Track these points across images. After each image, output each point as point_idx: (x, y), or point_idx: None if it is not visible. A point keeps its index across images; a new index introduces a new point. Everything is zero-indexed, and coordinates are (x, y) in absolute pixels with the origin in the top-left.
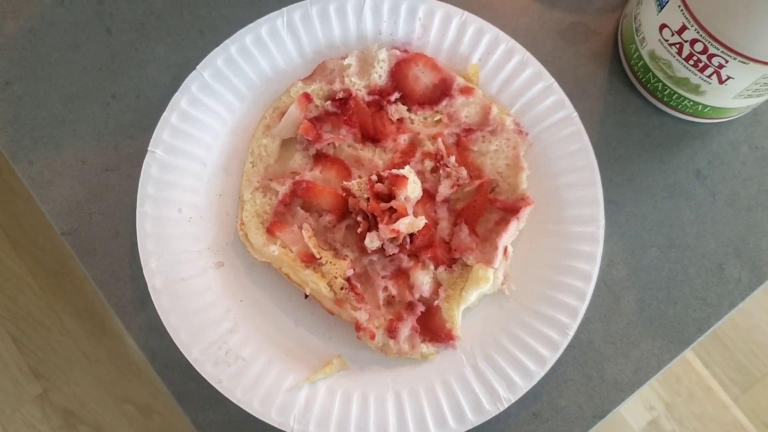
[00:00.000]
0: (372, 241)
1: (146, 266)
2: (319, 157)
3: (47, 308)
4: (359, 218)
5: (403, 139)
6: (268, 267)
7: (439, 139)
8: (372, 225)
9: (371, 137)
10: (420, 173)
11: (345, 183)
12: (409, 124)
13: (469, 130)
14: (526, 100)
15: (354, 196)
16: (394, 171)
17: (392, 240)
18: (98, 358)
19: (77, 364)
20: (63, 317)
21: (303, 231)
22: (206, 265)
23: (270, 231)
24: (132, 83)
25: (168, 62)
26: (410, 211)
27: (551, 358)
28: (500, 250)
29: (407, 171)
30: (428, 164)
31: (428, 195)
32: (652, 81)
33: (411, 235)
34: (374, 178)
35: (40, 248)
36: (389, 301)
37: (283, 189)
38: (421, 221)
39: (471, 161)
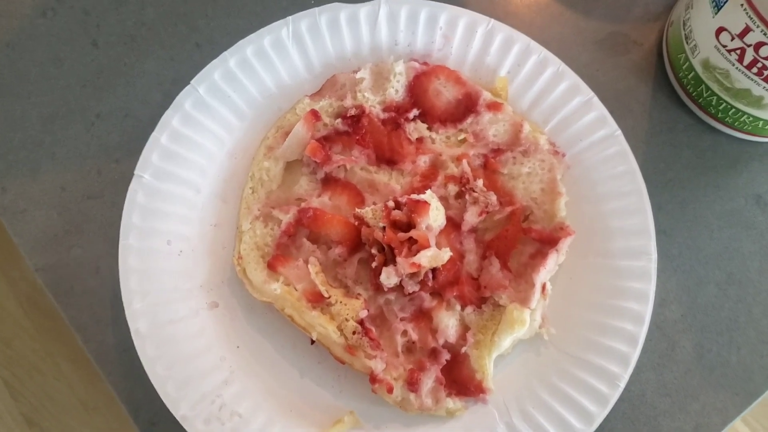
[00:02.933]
0: (389, 277)
1: (129, 307)
2: (328, 182)
3: (43, 352)
4: (374, 251)
5: (423, 161)
6: (269, 308)
7: (464, 161)
8: (389, 258)
9: (387, 159)
10: (443, 199)
11: (357, 210)
12: (430, 144)
13: (497, 151)
14: (562, 116)
15: (368, 226)
16: (414, 196)
17: (412, 276)
18: (95, 406)
19: (73, 412)
20: (59, 361)
21: (309, 266)
22: (198, 305)
23: (271, 266)
24: (119, 101)
25: (160, 78)
26: (433, 242)
27: (599, 414)
28: (537, 287)
29: (429, 196)
30: (452, 189)
31: (453, 224)
32: (705, 95)
33: (434, 270)
34: (391, 204)
35: (35, 287)
36: (409, 348)
37: (287, 218)
38: (446, 254)
39: (501, 185)
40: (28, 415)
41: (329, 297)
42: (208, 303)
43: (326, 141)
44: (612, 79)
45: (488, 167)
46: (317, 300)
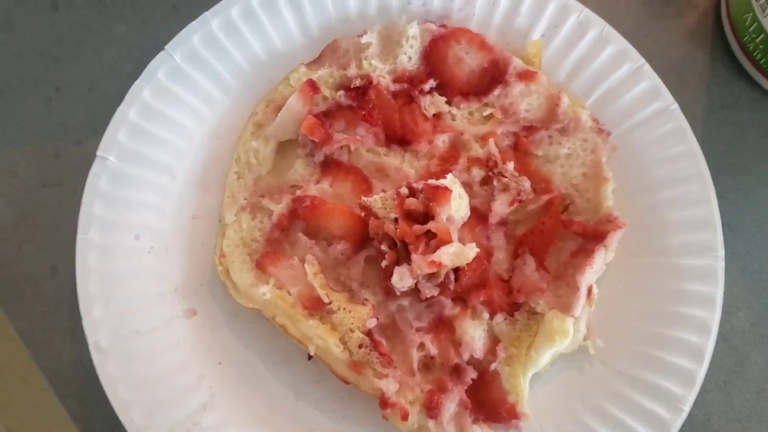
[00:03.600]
0: (402, 279)
1: (87, 315)
2: (329, 166)
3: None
4: (383, 247)
5: (441, 141)
6: (257, 316)
7: (491, 141)
8: (401, 256)
9: (399, 138)
10: (467, 186)
11: (364, 199)
12: (450, 121)
13: (530, 129)
14: (607, 87)
15: (376, 217)
16: (432, 182)
17: (430, 277)
18: None
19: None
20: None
21: (306, 265)
22: (173, 313)
23: (260, 265)
24: (83, 73)
25: (130, 45)
26: (455, 236)
27: None
28: (582, 291)
29: (450, 181)
30: (477, 174)
31: (478, 215)
32: None
33: (456, 270)
34: (404, 191)
35: None
36: (427, 365)
37: (279, 208)
38: (471, 250)
39: (535, 170)
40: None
41: (330, 303)
42: (183, 310)
43: (326, 117)
44: (662, 46)
45: (519, 148)
46: (315, 307)
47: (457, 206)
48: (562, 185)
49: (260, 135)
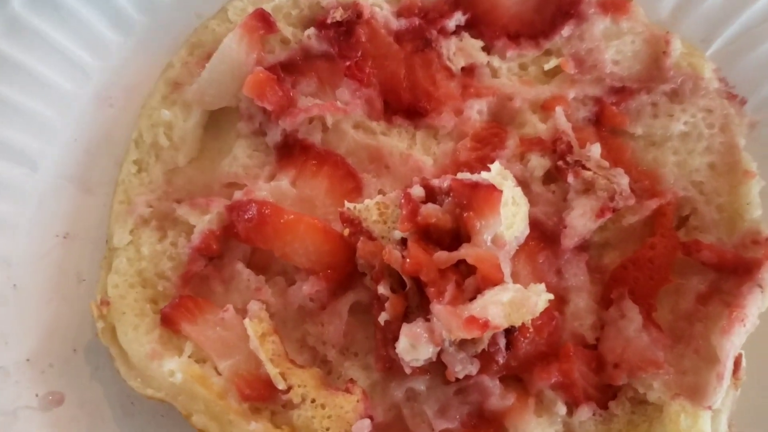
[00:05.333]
0: (415, 346)
1: None
2: (291, 151)
3: None
4: (382, 289)
5: (477, 111)
6: (164, 410)
7: (559, 110)
8: (414, 305)
9: (406, 107)
10: (522, 184)
11: (348, 206)
12: (490, 79)
13: (622, 91)
14: (739, 28)
15: (369, 237)
16: (466, 176)
17: (465, 344)
18: None
19: None
20: None
21: (248, 321)
22: (21, 399)
23: (169, 321)
24: None
25: None
26: (507, 270)
27: None
28: (726, 363)
29: (497, 174)
30: (537, 164)
31: (542, 233)
32: None
33: (509, 331)
34: (417, 192)
35: None
36: None
37: (204, 221)
38: (540, 297)
39: (632, 158)
40: None
41: (289, 389)
42: (40, 396)
43: (286, 72)
44: None
45: (606, 122)
46: (263, 396)
47: (510, 218)
48: (677, 183)
49: (177, 100)
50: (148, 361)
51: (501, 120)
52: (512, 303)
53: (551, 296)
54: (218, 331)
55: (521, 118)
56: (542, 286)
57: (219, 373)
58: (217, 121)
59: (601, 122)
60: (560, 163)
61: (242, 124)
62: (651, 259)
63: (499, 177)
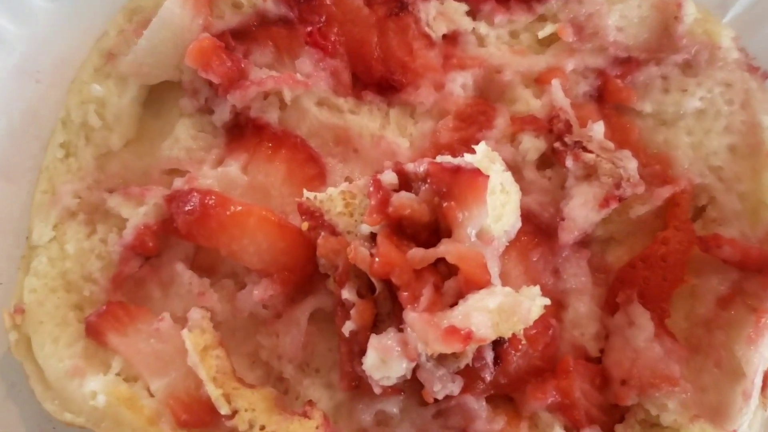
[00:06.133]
0: (386, 362)
1: None
2: (242, 132)
3: None
4: (347, 294)
5: (460, 84)
6: None
7: (555, 83)
8: (384, 312)
9: (378, 81)
10: (513, 169)
11: (308, 196)
12: (477, 49)
13: (628, 63)
14: None
15: (333, 232)
16: (446, 159)
17: (445, 359)
18: None
19: None
20: None
21: (186, 333)
22: None
23: (94, 331)
24: None
25: None
26: (494, 271)
27: None
28: (753, 379)
29: (483, 156)
30: (531, 146)
31: (536, 227)
32: None
33: (498, 343)
34: (388, 179)
35: None
36: None
37: (139, 213)
38: (535, 303)
39: (639, 139)
40: None
41: (234, 414)
42: None
43: (237, 39)
44: None
45: (609, 97)
46: (203, 421)
47: (499, 209)
48: (692, 168)
49: (111, 73)
50: (67, 380)
51: (488, 96)
52: (501, 310)
53: (547, 301)
54: (152, 343)
55: (512, 94)
56: (537, 289)
57: (151, 394)
58: (157, 98)
59: (604, 98)
60: (557, 144)
61: (185, 101)
62: (663, 257)
63: (486, 160)
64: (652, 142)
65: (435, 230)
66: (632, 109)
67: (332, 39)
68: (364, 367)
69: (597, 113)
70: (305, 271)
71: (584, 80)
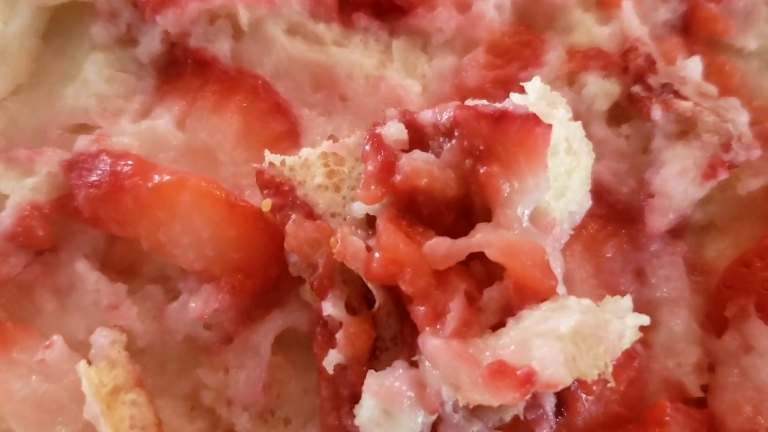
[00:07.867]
0: (391, 412)
1: None
2: (179, 70)
3: None
4: (329, 308)
5: (493, 4)
6: None
7: (627, 4)
8: (388, 336)
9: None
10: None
11: (271, 159)
12: None
13: None
14: None
15: (309, 214)
16: (483, 104)
17: (481, 410)
18: None
19: None
20: None
21: (81, 367)
22: None
23: None
24: None
25: None
26: (558, 272)
27: None
28: None
29: (538, 96)
30: (598, 89)
31: (610, 207)
32: None
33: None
34: (393, 132)
35: None
36: None
37: (24, 189)
38: (627, 326)
39: (737, 85)
40: None
41: None
42: None
43: None
44: None
45: (698, 28)
46: None
47: (563, 179)
48: None
49: None
50: None
51: (534, 21)
52: (577, 334)
53: (646, 319)
54: (33, 383)
55: (567, 19)
56: (627, 301)
57: None
58: (60, 27)
59: (692, 29)
60: (637, 88)
61: (99, 28)
62: None
63: (543, 103)
64: (759, 90)
65: (466, 211)
66: (730, 45)
67: None
68: (357, 421)
69: (683, 50)
70: (267, 274)
71: (664, 5)
